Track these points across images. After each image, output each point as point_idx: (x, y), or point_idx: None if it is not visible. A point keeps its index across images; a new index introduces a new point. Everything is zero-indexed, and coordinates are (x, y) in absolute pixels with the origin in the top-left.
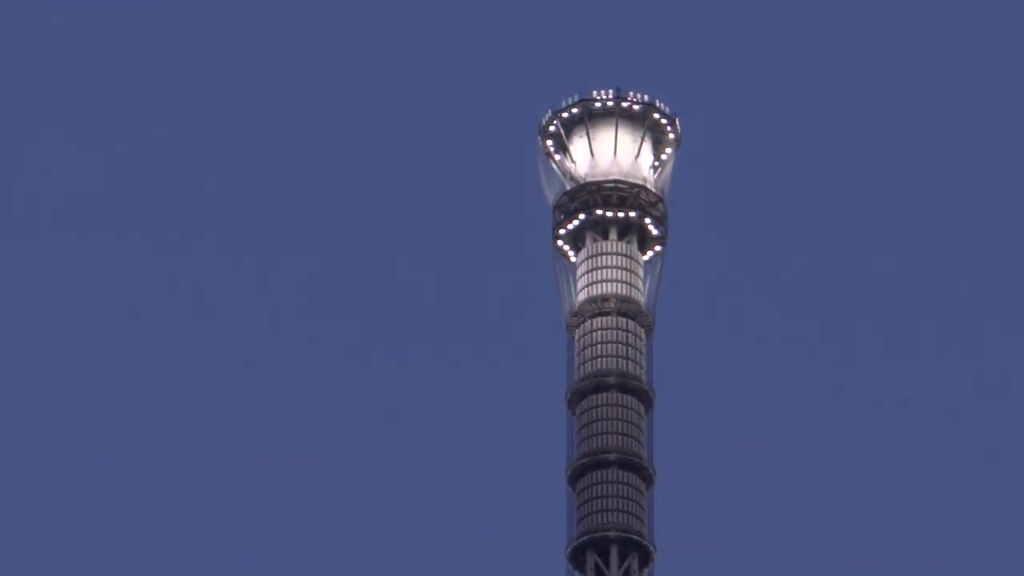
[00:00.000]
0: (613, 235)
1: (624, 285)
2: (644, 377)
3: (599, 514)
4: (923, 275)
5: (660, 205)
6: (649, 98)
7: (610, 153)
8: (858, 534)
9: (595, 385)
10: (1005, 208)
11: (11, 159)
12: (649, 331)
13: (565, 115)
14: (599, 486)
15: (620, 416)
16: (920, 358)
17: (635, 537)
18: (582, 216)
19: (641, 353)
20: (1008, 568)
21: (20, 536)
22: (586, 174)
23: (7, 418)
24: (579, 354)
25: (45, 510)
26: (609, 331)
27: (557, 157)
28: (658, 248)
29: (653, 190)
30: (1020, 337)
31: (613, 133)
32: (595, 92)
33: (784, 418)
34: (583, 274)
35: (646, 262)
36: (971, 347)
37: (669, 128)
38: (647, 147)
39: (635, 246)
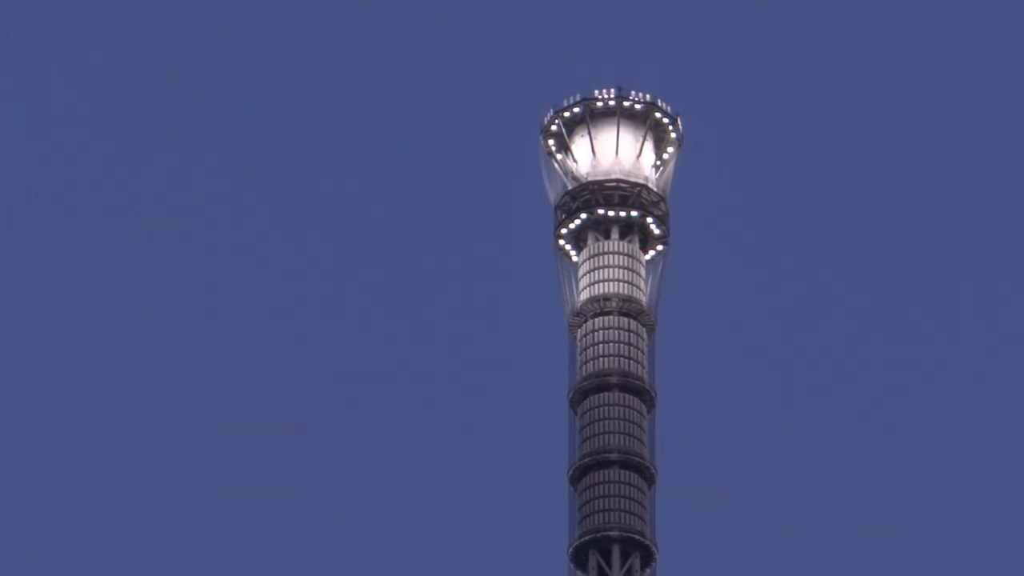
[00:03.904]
0: (615, 235)
1: (626, 285)
2: (646, 377)
3: (601, 514)
4: (923, 274)
5: (662, 204)
6: (651, 97)
7: (612, 152)
8: (858, 533)
9: (597, 385)
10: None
11: None
12: (651, 331)
13: (567, 114)
14: (601, 486)
15: (622, 416)
16: (918, 356)
17: (637, 537)
18: (584, 215)
19: (643, 353)
20: (1008, 567)
21: (20, 535)
22: (588, 173)
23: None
24: (581, 354)
25: (45, 510)
26: (611, 331)
27: (559, 156)
28: (660, 247)
29: (655, 189)
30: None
31: (615, 132)
32: (597, 91)
33: (785, 418)
34: (585, 274)
35: (648, 262)
36: (972, 349)
37: (671, 127)
38: (649, 146)
39: (637, 245)
